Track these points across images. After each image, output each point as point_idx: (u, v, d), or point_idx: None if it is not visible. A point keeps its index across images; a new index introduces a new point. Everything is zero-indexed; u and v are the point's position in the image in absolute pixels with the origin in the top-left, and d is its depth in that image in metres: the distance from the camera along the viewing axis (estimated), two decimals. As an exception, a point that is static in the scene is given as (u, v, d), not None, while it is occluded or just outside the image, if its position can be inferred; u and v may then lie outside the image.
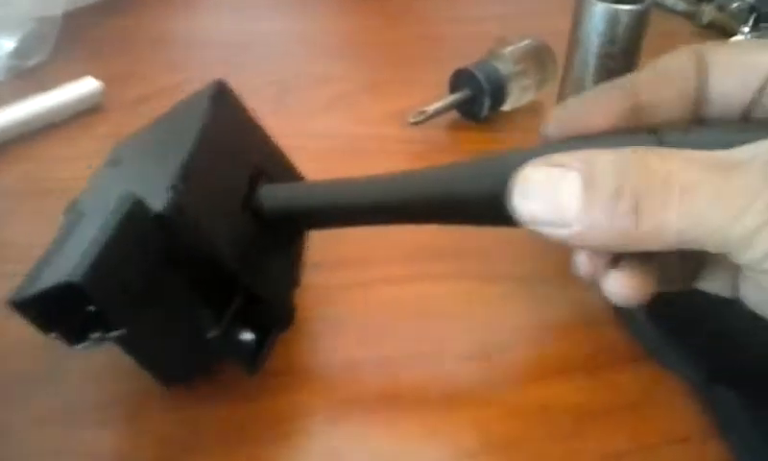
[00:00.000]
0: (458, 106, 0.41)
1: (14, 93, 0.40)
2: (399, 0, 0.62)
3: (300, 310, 0.27)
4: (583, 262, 0.23)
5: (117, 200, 0.21)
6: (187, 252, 0.22)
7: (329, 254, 0.29)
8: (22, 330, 0.26)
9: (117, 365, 0.25)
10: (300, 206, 0.26)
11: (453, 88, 0.42)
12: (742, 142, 0.19)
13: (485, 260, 0.32)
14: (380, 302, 0.30)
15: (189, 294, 0.22)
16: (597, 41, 0.31)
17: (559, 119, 0.24)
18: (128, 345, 0.22)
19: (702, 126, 0.23)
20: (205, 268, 0.22)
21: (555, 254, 0.32)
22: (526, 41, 0.43)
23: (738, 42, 0.52)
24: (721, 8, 0.58)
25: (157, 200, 0.21)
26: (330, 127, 0.42)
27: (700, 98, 0.24)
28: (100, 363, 0.26)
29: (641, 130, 0.22)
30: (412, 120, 0.40)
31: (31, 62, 0.46)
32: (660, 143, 0.22)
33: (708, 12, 0.58)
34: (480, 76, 0.40)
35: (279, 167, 0.28)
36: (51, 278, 0.20)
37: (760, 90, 0.23)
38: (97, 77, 0.42)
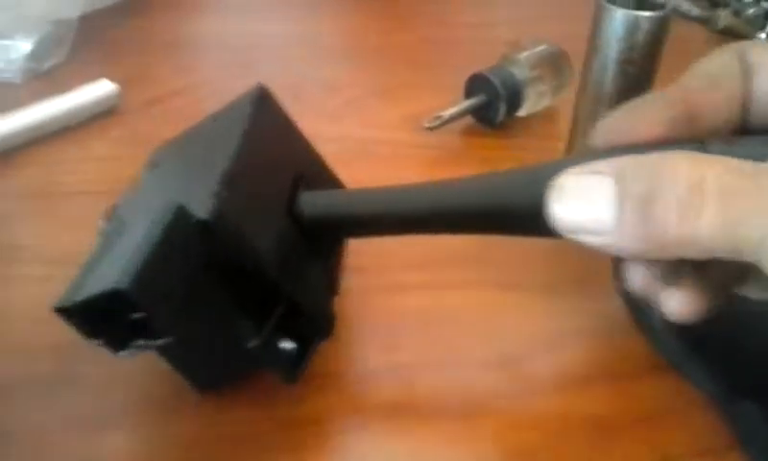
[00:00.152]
0: (473, 111, 0.41)
1: (31, 95, 0.41)
2: (411, 3, 0.62)
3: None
4: (637, 277, 0.23)
5: (161, 207, 0.21)
6: (229, 259, 0.21)
7: (347, 261, 0.29)
8: (48, 333, 0.26)
9: (144, 368, 0.25)
10: (342, 213, 0.25)
11: (468, 93, 0.41)
12: None
13: (501, 269, 0.32)
14: (396, 309, 0.30)
15: (230, 302, 0.22)
16: (617, 47, 0.30)
17: (604, 130, 0.23)
18: (167, 352, 0.22)
19: (748, 137, 0.23)
20: (246, 276, 0.22)
21: (571, 264, 0.32)
22: (541, 46, 0.43)
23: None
24: (736, 13, 0.58)
25: (200, 206, 0.21)
26: (343, 131, 0.42)
27: (747, 99, 0.23)
28: (126, 366, 0.26)
29: (687, 140, 0.22)
30: (427, 125, 0.39)
31: (47, 65, 0.46)
32: (704, 152, 0.21)
33: (724, 18, 0.57)
34: (496, 81, 0.40)
35: (319, 173, 0.28)
36: (97, 285, 0.20)
37: None
38: (111, 79, 0.43)
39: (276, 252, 0.23)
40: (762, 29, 0.57)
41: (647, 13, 0.30)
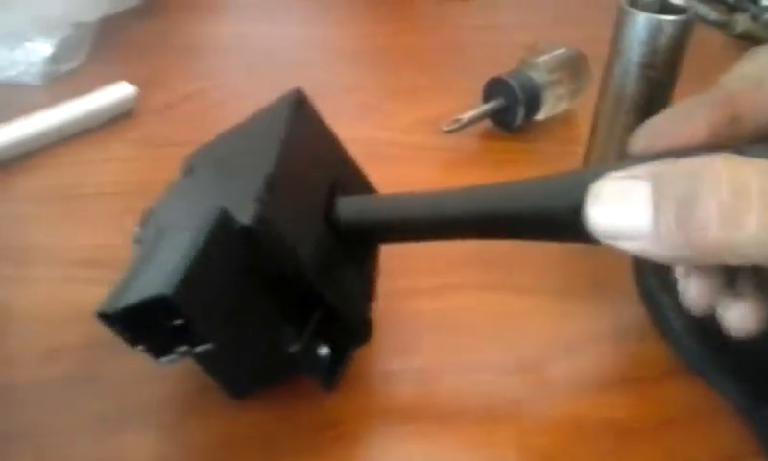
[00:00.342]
0: (492, 114, 0.41)
1: (51, 98, 0.41)
2: (428, 7, 0.62)
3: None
4: (696, 290, 0.23)
5: (203, 212, 0.21)
6: (269, 264, 0.21)
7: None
8: (68, 334, 0.26)
9: (164, 370, 0.25)
10: (378, 219, 0.25)
11: (487, 97, 0.41)
12: None
13: (516, 272, 0.32)
14: (412, 313, 0.30)
15: (270, 308, 0.22)
16: (639, 51, 0.30)
17: (646, 134, 0.23)
18: (205, 358, 0.21)
19: None
20: (287, 281, 0.22)
21: (588, 268, 0.31)
22: (560, 50, 0.43)
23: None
24: (754, 17, 0.58)
25: (242, 212, 0.21)
26: (362, 134, 0.42)
27: None
28: (146, 367, 0.26)
29: (726, 147, 0.22)
30: (446, 128, 0.39)
31: (66, 67, 0.46)
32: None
33: (742, 22, 0.57)
34: (515, 85, 0.40)
35: (354, 178, 0.28)
36: (141, 291, 0.19)
37: None
38: (130, 81, 0.43)
39: (316, 257, 0.23)
40: (781, 33, 0.56)
41: (670, 18, 0.29)
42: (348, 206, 0.25)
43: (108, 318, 0.20)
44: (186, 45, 0.53)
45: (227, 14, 0.59)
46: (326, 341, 0.23)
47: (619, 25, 0.31)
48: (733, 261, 0.19)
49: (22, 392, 0.26)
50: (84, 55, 0.48)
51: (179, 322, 0.20)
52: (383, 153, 0.40)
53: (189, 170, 0.28)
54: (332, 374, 0.24)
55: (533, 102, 0.40)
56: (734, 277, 0.23)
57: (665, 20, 0.29)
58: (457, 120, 0.39)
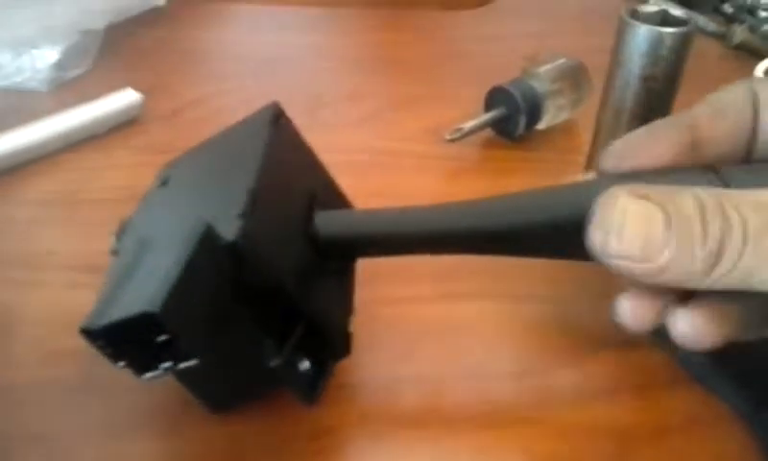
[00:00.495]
0: (493, 124, 0.42)
1: (56, 104, 0.41)
2: (431, 17, 0.62)
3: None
4: (636, 306, 0.23)
5: (186, 227, 0.20)
6: (253, 279, 0.21)
7: (361, 273, 0.29)
8: (72, 339, 0.26)
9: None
10: (359, 233, 0.25)
11: (488, 106, 0.42)
12: None
13: (514, 281, 0.32)
14: (411, 320, 0.30)
15: (251, 322, 0.22)
16: (640, 63, 0.30)
17: (616, 153, 0.24)
18: (186, 373, 0.21)
19: (760, 164, 0.23)
20: (268, 296, 0.22)
21: (583, 277, 0.31)
22: (561, 60, 0.43)
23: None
24: (752, 29, 0.58)
25: (226, 227, 0.21)
26: (363, 143, 0.42)
27: (753, 133, 0.24)
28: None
29: (699, 166, 0.22)
30: (448, 137, 0.40)
31: (72, 74, 0.47)
32: (725, 183, 0.22)
33: (740, 34, 0.57)
34: (516, 94, 0.40)
35: (330, 193, 0.28)
36: (126, 307, 0.19)
37: None
38: (135, 89, 0.43)
39: (297, 272, 0.23)
40: (778, 45, 0.57)
41: (671, 30, 0.30)
42: (328, 221, 0.25)
43: (91, 334, 0.19)
44: (192, 52, 0.53)
45: (232, 22, 0.59)
46: (307, 355, 0.23)
47: (620, 36, 0.31)
48: (736, 289, 0.20)
49: (23, 393, 0.26)
50: (90, 61, 0.48)
51: (162, 338, 0.19)
52: (385, 161, 0.41)
53: (165, 181, 0.28)
54: (313, 388, 0.24)
55: (534, 111, 0.41)
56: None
57: (666, 32, 0.30)
58: (459, 129, 0.40)
